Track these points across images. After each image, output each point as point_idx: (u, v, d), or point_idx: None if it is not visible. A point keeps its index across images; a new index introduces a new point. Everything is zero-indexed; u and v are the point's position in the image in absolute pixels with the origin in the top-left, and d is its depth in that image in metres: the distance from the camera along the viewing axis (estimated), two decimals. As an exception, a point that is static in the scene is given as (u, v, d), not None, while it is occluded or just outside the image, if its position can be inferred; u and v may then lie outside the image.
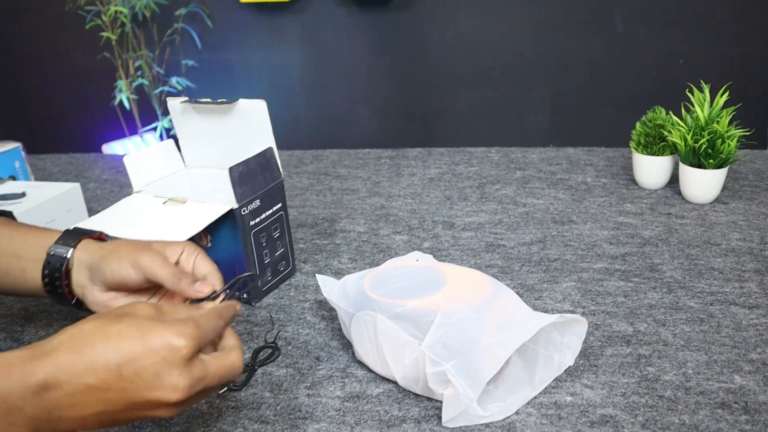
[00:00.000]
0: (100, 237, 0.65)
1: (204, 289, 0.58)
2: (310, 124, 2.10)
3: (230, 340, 0.50)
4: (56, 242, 0.62)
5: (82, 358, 0.42)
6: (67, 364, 0.42)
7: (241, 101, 0.76)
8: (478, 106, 2.03)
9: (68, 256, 0.61)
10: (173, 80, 1.91)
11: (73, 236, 0.63)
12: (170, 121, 1.92)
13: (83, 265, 0.62)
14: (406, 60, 2.03)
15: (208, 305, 0.51)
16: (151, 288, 0.64)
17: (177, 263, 0.61)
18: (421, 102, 2.07)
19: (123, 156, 0.83)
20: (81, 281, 0.62)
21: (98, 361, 0.42)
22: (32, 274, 0.63)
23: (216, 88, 2.06)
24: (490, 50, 1.98)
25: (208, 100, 0.78)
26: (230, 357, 0.47)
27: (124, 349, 0.42)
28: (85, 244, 0.63)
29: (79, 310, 0.65)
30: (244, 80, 2.05)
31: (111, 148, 1.95)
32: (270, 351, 0.66)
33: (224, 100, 0.77)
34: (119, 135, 2.03)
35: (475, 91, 2.02)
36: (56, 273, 0.62)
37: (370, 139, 2.05)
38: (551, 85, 1.96)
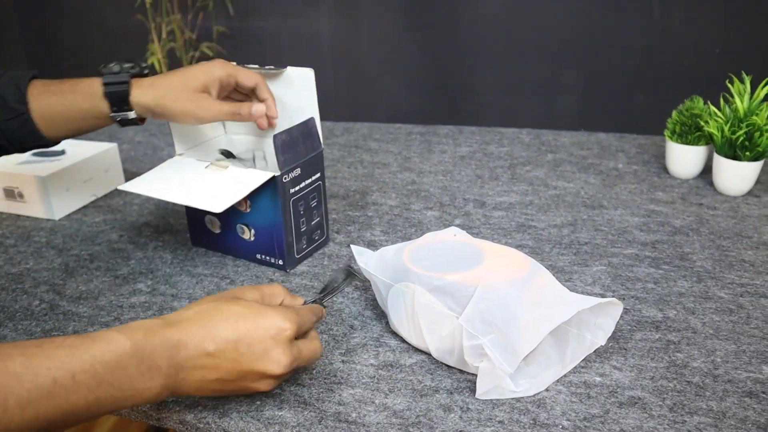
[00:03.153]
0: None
1: (261, 109, 0.75)
2: (338, 96, 2.10)
3: (313, 332, 0.57)
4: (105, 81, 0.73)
5: (207, 331, 0.50)
6: (194, 333, 0.49)
7: (289, 69, 0.77)
8: (507, 85, 2.02)
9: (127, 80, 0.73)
10: (204, 46, 1.91)
11: (122, 74, 0.73)
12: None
13: (142, 105, 0.73)
14: (437, 35, 2.02)
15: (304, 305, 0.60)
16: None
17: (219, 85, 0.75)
18: (450, 78, 2.06)
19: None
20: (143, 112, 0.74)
21: (219, 334, 0.50)
22: (94, 100, 0.72)
23: (246, 55, 2.06)
24: (521, 29, 1.96)
25: (256, 66, 0.79)
26: (315, 343, 0.55)
27: (240, 327, 0.50)
28: (138, 84, 0.73)
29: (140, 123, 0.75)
30: (275, 49, 2.05)
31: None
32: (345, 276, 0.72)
33: (272, 67, 0.78)
34: (149, 98, 2.06)
35: (505, 70, 2.01)
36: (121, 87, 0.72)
37: (398, 114, 2.05)
38: (583, 67, 1.95)
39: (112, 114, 0.73)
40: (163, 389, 0.49)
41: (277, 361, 0.51)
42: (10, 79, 0.72)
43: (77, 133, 0.76)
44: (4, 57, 2.39)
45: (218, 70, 0.74)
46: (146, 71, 0.76)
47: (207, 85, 0.73)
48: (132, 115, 0.73)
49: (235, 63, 0.77)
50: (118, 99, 0.72)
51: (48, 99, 0.72)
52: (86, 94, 0.72)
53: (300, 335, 0.55)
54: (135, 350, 0.47)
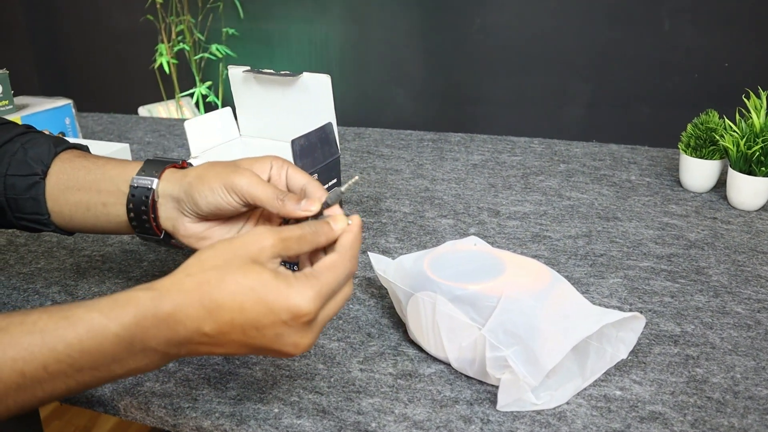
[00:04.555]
0: (182, 165, 0.59)
1: (311, 207, 0.52)
2: (346, 101, 2.10)
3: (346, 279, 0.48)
4: (138, 173, 0.57)
5: (206, 310, 0.43)
6: (191, 311, 0.43)
7: (305, 74, 0.77)
8: (515, 94, 2.02)
9: (154, 186, 0.56)
10: (213, 47, 1.91)
11: (157, 165, 0.57)
12: (208, 88, 1.92)
13: (171, 196, 0.56)
14: (446, 43, 2.02)
15: (331, 256, 0.47)
16: (247, 212, 0.59)
17: (269, 181, 0.55)
18: (458, 86, 2.06)
19: (183, 120, 0.84)
20: (170, 214, 0.57)
21: (221, 316, 0.43)
22: (115, 209, 0.58)
23: (254, 58, 2.06)
24: (531, 38, 1.96)
25: (271, 71, 0.79)
26: (345, 292, 0.48)
27: (247, 308, 0.43)
28: (170, 174, 0.57)
29: (167, 246, 0.61)
30: (283, 53, 2.05)
31: (148, 110, 1.97)
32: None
33: (287, 72, 0.78)
34: (156, 98, 2.04)
35: (514, 79, 2.01)
36: (142, 206, 0.56)
37: (406, 121, 2.05)
38: (592, 78, 1.95)
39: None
40: (163, 361, 0.45)
41: (294, 345, 0.44)
42: (46, 138, 0.61)
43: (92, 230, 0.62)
44: (13, 57, 2.39)
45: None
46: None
47: (254, 167, 0.56)
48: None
49: (256, 74, 0.76)
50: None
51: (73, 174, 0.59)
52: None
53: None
54: (121, 336, 0.42)
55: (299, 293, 0.43)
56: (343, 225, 0.49)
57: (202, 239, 0.57)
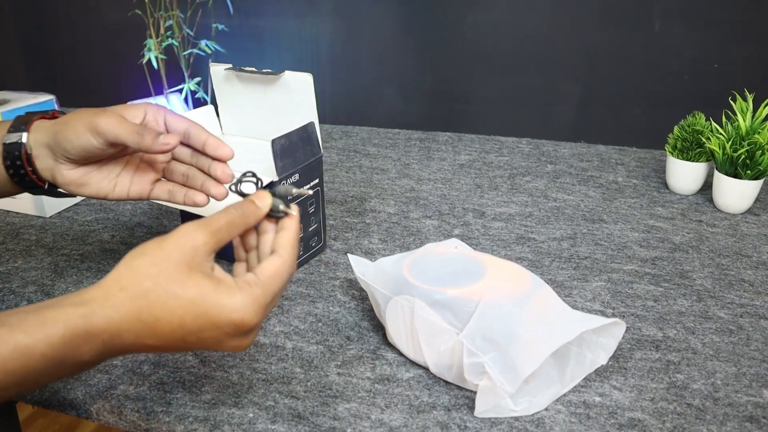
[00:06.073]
0: (53, 115, 0.61)
1: (170, 141, 0.55)
2: (335, 98, 2.09)
3: (277, 249, 0.47)
4: (8, 131, 0.58)
5: (146, 326, 0.42)
6: (131, 327, 0.42)
7: (287, 73, 0.76)
8: (505, 93, 2.01)
9: (24, 141, 0.58)
10: (202, 43, 1.89)
11: (24, 120, 0.59)
12: (197, 84, 1.91)
13: (42, 145, 0.58)
14: (436, 41, 2.01)
15: (274, 261, 0.46)
16: (121, 157, 0.61)
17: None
18: (448, 85, 2.05)
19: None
20: (46, 164, 0.59)
21: (161, 330, 0.42)
22: None
23: (244, 54, 2.05)
24: (521, 38, 1.95)
25: (253, 69, 0.77)
26: (280, 270, 0.46)
27: (188, 326, 0.42)
28: (39, 125, 0.59)
29: (56, 196, 0.62)
30: (273, 49, 2.03)
31: (135, 106, 1.94)
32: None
33: (269, 70, 0.77)
34: (145, 94, 2.02)
35: (503, 79, 2.00)
36: (17, 161, 0.58)
37: (396, 119, 2.04)
38: (581, 78, 1.94)
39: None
40: (97, 364, 0.44)
41: (235, 347, 0.45)
42: None
43: None
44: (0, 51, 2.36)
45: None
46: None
47: (125, 113, 0.58)
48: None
49: (238, 71, 0.75)
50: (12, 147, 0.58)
51: None
52: None
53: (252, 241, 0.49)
54: (49, 356, 0.40)
55: (243, 306, 0.43)
56: (268, 202, 0.49)
57: (82, 185, 0.59)
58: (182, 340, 0.43)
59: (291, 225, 0.49)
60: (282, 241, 0.48)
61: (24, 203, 0.93)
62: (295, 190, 0.52)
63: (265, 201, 0.49)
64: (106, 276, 0.44)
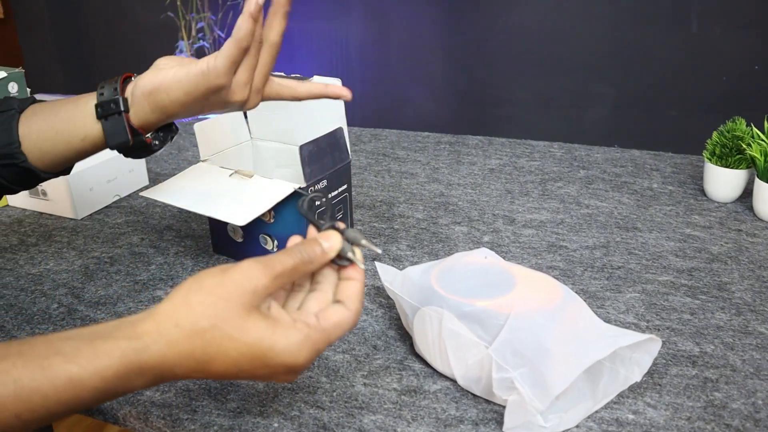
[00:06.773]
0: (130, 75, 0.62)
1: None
2: (366, 101, 2.09)
3: (344, 300, 0.47)
4: (99, 91, 0.60)
5: (200, 365, 0.42)
6: (185, 366, 0.42)
7: (316, 78, 0.75)
8: (537, 96, 1.98)
9: (118, 94, 0.59)
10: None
11: (112, 80, 0.60)
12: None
13: (137, 94, 0.58)
14: (467, 43, 1.99)
15: (340, 312, 0.46)
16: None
17: None
18: (479, 87, 2.03)
19: (199, 120, 0.83)
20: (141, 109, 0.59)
21: (216, 369, 0.43)
22: (83, 120, 0.60)
23: (274, 56, 2.06)
24: (554, 40, 1.92)
25: (282, 73, 0.77)
26: (344, 323, 0.46)
27: (242, 366, 0.42)
28: (128, 83, 0.60)
29: (149, 151, 0.62)
30: (303, 51, 2.04)
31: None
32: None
33: (298, 75, 0.76)
34: (176, 95, 2.06)
35: (535, 81, 1.97)
36: (112, 104, 0.58)
37: (426, 122, 2.03)
38: (616, 81, 1.91)
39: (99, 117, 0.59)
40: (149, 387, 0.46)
41: (284, 380, 0.45)
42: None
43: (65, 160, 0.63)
44: (37, 56, 2.41)
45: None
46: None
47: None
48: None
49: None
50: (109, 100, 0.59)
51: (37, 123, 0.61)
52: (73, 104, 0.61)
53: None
54: (100, 389, 0.41)
55: (297, 348, 0.43)
56: (337, 247, 0.47)
57: (189, 101, 0.59)
58: (235, 376, 0.43)
59: (359, 277, 0.48)
60: (349, 292, 0.47)
61: (57, 205, 0.94)
62: (364, 241, 0.49)
63: (334, 245, 0.47)
64: (160, 305, 0.43)
